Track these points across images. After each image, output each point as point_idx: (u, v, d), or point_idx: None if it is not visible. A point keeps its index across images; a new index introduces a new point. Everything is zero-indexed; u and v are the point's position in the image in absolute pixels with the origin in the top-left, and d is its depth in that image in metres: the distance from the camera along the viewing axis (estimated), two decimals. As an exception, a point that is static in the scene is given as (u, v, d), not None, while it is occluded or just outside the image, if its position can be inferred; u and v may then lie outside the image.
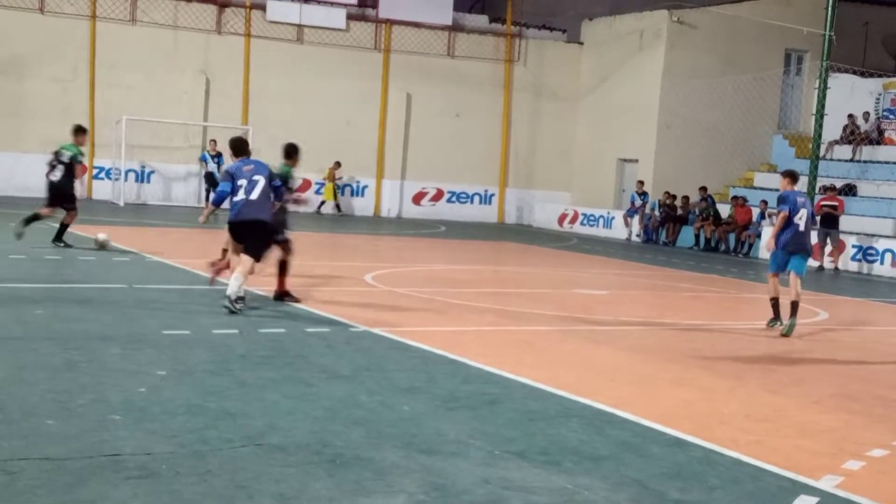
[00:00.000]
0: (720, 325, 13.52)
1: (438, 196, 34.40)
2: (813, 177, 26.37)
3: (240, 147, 11.84)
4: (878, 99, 31.93)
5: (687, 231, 29.47)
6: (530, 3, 35.71)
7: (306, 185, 30.17)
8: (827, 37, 26.12)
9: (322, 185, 31.87)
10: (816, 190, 26.44)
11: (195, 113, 31.25)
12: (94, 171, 30.51)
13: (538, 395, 7.90)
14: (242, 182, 11.30)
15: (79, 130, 16.72)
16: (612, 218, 32.12)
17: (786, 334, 12.24)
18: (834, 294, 18.69)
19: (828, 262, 24.28)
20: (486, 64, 34.55)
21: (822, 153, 27.81)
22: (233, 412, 6.67)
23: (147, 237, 20.03)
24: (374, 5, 33.08)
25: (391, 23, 33.25)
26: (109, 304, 11.01)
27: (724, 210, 29.22)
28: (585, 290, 16.25)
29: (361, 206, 33.50)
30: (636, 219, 30.82)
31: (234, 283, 10.89)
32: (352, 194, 33.52)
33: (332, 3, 32.62)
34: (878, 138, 31.23)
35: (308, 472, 5.56)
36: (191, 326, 9.87)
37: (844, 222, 25.04)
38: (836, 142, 31.25)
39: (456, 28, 34.14)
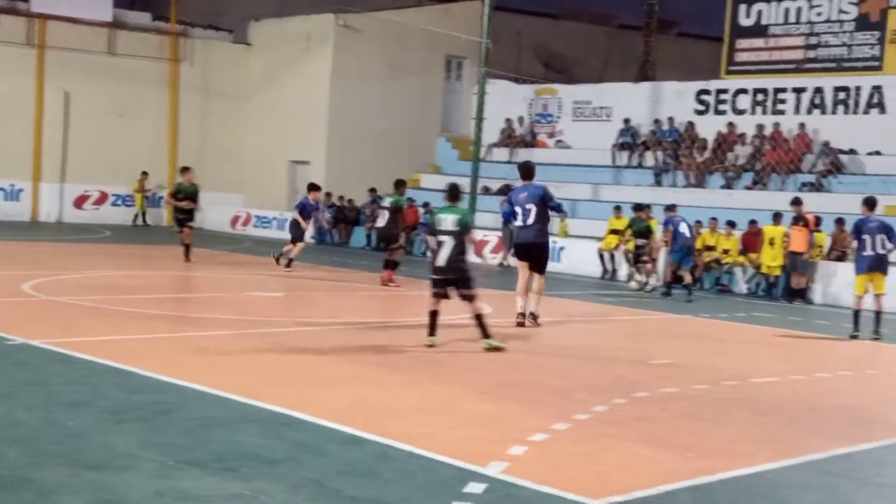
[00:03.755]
0: (392, 321, 13.90)
1: (103, 199, 32.88)
2: (475, 178, 27.70)
3: (523, 172, 13.66)
4: (531, 104, 34.06)
5: (359, 232, 30.02)
6: (195, 2, 35.00)
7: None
8: (484, 44, 27.53)
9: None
10: (478, 191, 27.80)
11: None
12: None
13: (214, 402, 7.75)
14: (518, 209, 13.18)
15: (399, 183, 18.89)
16: (286, 220, 32.05)
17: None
18: (501, 290, 19.67)
19: (491, 259, 25.47)
20: (151, 62, 33.45)
21: (482, 155, 29.27)
22: None
23: None
24: (26, -2, 31.13)
25: (45, 17, 31.38)
26: None
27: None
28: (261, 292, 16.13)
29: (17, 210, 31.34)
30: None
31: (532, 301, 13.44)
32: (5, 198, 31.33)
33: (-24, -6, 30.31)
34: (531, 141, 33.37)
35: (-39, 499, 5.15)
36: None
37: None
38: (495, 144, 33.05)
39: (117, 25, 32.78)
